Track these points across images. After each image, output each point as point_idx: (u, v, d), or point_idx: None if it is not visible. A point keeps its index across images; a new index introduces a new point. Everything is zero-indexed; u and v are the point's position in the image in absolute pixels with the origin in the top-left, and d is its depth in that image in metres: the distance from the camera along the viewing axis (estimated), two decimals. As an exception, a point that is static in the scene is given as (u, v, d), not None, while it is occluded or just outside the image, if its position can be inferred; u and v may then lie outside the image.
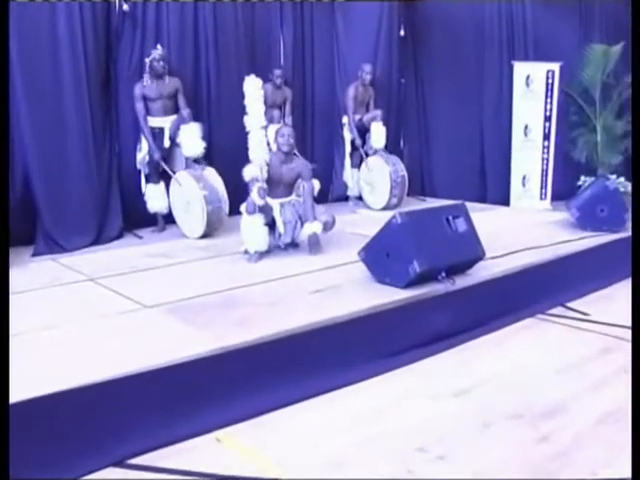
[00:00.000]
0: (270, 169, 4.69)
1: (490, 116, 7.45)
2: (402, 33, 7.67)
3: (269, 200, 4.72)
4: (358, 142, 6.98)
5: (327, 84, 7.47)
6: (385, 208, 6.69)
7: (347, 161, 7.18)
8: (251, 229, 4.69)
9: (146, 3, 5.85)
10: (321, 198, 6.44)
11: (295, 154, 4.99)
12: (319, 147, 7.50)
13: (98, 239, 5.52)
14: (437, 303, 3.86)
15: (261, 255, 4.72)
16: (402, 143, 8.00)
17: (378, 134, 6.90)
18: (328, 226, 4.87)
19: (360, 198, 7.21)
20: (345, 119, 7.09)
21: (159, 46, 5.67)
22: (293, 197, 4.92)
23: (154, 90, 5.62)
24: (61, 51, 5.24)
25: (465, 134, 7.59)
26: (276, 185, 4.74)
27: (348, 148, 7.12)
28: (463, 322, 3.94)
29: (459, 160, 7.66)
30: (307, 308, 3.56)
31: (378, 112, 6.97)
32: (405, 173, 6.82)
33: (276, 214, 4.79)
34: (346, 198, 7.39)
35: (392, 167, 6.76)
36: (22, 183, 5.20)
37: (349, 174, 7.19)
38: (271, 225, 4.79)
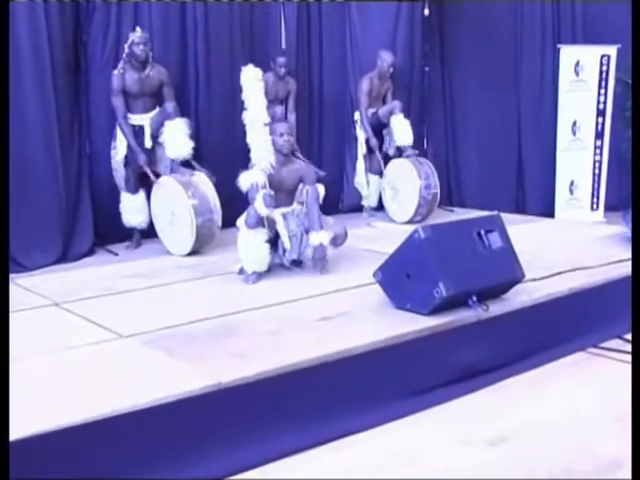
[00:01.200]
0: (269, 174, 4.75)
1: (530, 110, 7.52)
2: (426, 12, 7.74)
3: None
4: (373, 142, 7.02)
5: (338, 73, 7.55)
6: (407, 223, 6.65)
7: (360, 165, 7.24)
8: (251, 246, 4.72)
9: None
10: (331, 209, 6.52)
11: (294, 155, 5.03)
12: (328, 148, 7.56)
13: (64, 256, 5.58)
14: (467, 333, 3.90)
15: (259, 275, 4.77)
16: (425, 142, 8.06)
17: (401, 128, 6.91)
18: (339, 240, 4.92)
19: (376, 209, 7.23)
20: (357, 115, 7.15)
21: (138, 28, 5.70)
22: (295, 206, 4.97)
23: (135, 83, 5.67)
24: (19, 30, 5.27)
25: (500, 132, 7.66)
26: (276, 192, 4.78)
27: (362, 149, 7.17)
28: (499, 356, 3.96)
29: (493, 163, 7.72)
30: (314, 338, 3.60)
31: (396, 103, 7.00)
32: (438, 190, 6.80)
33: (280, 227, 4.83)
34: (359, 208, 7.44)
35: (424, 181, 6.69)
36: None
37: (363, 180, 7.22)
38: (272, 241, 4.84)
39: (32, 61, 5.36)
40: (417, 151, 7.01)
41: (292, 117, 6.83)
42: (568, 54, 7.06)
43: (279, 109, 6.66)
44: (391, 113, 6.98)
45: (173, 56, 6.23)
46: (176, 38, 6.29)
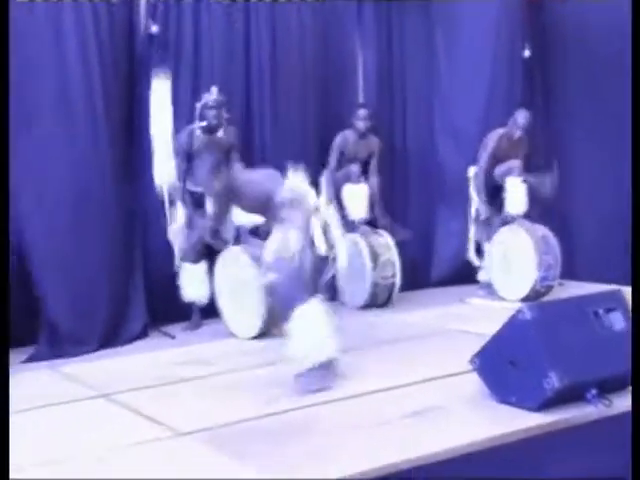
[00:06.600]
0: None
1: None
2: (527, 54, 7.79)
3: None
4: (485, 209, 6.92)
5: (422, 129, 7.66)
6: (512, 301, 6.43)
7: (472, 231, 7.16)
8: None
9: (181, 23, 6.18)
10: (419, 282, 6.50)
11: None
12: (414, 215, 7.60)
13: (114, 339, 5.65)
14: (585, 434, 3.79)
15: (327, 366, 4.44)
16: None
17: (514, 193, 6.82)
18: None
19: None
20: (472, 171, 7.06)
21: (214, 89, 5.84)
22: None
23: (204, 147, 5.82)
24: (71, 85, 5.52)
25: (618, 191, 7.55)
26: None
27: (474, 212, 7.08)
28: (626, 463, 3.83)
29: (610, 227, 7.61)
30: (400, 437, 3.56)
31: (515, 163, 6.90)
32: (556, 282, 6.71)
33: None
34: (451, 281, 7.43)
35: (543, 272, 6.56)
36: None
37: (471, 250, 7.13)
38: None
39: (84, 121, 5.59)
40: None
41: (374, 180, 6.84)
42: None
43: (355, 168, 6.68)
44: (507, 174, 6.88)
45: (237, 110, 6.36)
46: (240, 91, 6.50)
